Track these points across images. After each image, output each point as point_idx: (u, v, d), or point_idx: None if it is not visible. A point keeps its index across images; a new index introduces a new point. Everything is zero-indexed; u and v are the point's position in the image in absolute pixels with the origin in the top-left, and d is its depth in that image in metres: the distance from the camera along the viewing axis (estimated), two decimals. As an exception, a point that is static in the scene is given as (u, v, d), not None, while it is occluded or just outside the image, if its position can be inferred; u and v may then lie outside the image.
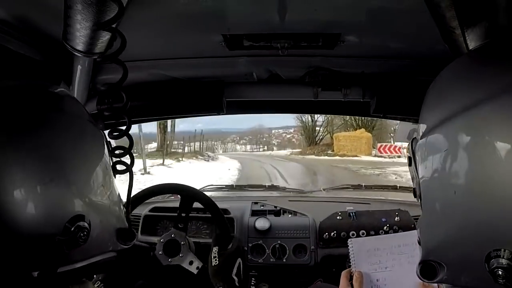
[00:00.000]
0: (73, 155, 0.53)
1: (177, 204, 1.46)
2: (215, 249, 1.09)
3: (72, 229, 0.50)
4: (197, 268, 1.15)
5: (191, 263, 1.16)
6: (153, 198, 1.36)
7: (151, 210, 1.44)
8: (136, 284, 1.19)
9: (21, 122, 0.49)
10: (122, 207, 0.64)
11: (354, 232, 1.33)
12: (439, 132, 0.46)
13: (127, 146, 0.63)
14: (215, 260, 1.07)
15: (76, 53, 0.65)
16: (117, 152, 0.58)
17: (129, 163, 0.64)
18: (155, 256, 1.17)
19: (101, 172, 0.56)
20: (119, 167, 0.62)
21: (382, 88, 1.06)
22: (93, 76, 0.98)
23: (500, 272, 0.39)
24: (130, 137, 0.59)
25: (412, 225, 1.33)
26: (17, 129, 0.48)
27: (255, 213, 1.46)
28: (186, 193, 1.24)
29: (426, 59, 0.94)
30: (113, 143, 0.62)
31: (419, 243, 0.51)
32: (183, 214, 1.21)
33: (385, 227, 1.33)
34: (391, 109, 1.07)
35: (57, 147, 0.51)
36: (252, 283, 1.32)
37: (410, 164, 0.54)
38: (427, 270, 0.47)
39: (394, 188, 1.87)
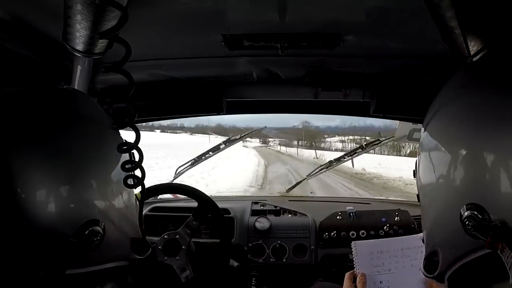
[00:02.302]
0: (94, 161, 0.53)
1: (177, 204, 1.47)
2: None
3: (86, 232, 0.50)
4: (187, 277, 1.15)
5: (183, 270, 1.16)
6: (152, 198, 1.36)
7: (151, 210, 1.44)
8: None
9: (44, 126, 0.50)
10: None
11: (354, 232, 1.33)
12: (423, 137, 0.56)
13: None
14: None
15: (75, 54, 0.65)
16: (127, 166, 0.56)
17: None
18: (153, 249, 1.17)
19: (119, 179, 0.56)
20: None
21: (382, 88, 1.06)
22: (92, 76, 0.98)
23: (467, 222, 0.45)
24: (139, 150, 0.57)
25: (412, 225, 1.33)
26: (40, 132, 0.50)
27: (255, 213, 1.46)
28: (204, 203, 1.22)
29: (426, 59, 0.94)
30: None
31: (423, 241, 0.56)
32: (195, 222, 1.20)
33: (385, 227, 1.33)
34: (391, 109, 1.07)
35: (78, 152, 0.52)
36: (253, 283, 1.32)
37: (414, 176, 0.60)
38: (430, 265, 0.53)
39: (362, 148, 1.83)
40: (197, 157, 1.83)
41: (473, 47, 0.56)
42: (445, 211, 0.49)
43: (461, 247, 0.48)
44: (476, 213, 0.44)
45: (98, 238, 0.51)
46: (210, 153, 1.83)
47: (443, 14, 0.51)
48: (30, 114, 0.50)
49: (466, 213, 0.45)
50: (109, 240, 0.54)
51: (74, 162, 0.51)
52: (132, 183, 0.57)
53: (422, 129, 0.56)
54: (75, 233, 0.49)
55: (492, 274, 0.46)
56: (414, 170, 0.60)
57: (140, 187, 0.59)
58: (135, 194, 1.22)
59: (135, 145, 0.55)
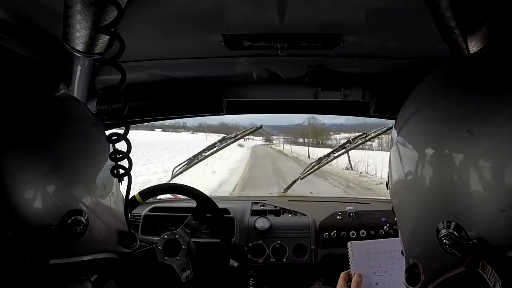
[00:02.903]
0: (76, 153, 0.54)
1: (176, 205, 1.47)
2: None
3: (69, 221, 0.51)
4: (187, 277, 1.15)
5: (183, 269, 1.16)
6: (152, 198, 1.36)
7: (151, 210, 1.44)
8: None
9: (25, 119, 0.51)
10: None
11: (354, 232, 1.33)
12: (395, 142, 0.52)
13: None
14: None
15: (75, 53, 0.65)
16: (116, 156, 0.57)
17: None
18: (154, 250, 1.18)
19: (104, 173, 0.57)
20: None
21: (381, 88, 1.06)
22: (92, 76, 0.98)
23: (445, 241, 0.43)
24: (128, 141, 0.58)
25: None
26: (22, 124, 0.51)
27: (255, 213, 1.46)
28: (203, 202, 1.22)
29: (426, 59, 0.94)
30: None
31: (402, 253, 0.55)
32: (194, 222, 1.20)
33: (385, 227, 1.33)
34: (390, 109, 1.07)
35: (60, 143, 0.53)
36: (251, 284, 1.32)
37: (387, 187, 0.58)
38: (412, 278, 0.51)
39: (349, 142, 1.79)
40: (193, 156, 1.81)
41: (473, 47, 0.56)
42: (421, 226, 0.48)
43: (440, 263, 0.46)
44: (453, 231, 0.43)
45: (81, 227, 0.52)
46: (206, 152, 1.79)
47: (443, 14, 0.51)
48: (11, 112, 0.51)
49: (443, 231, 0.43)
50: (94, 231, 0.55)
51: (56, 153, 0.52)
52: (120, 173, 0.58)
53: (395, 132, 0.53)
54: (58, 222, 0.50)
55: (476, 286, 0.44)
56: (386, 182, 0.58)
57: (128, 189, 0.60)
58: (134, 196, 1.21)
59: (124, 135, 0.56)
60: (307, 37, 0.82)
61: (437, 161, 0.44)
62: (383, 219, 1.35)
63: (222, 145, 1.78)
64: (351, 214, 1.38)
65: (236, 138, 1.80)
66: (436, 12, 0.52)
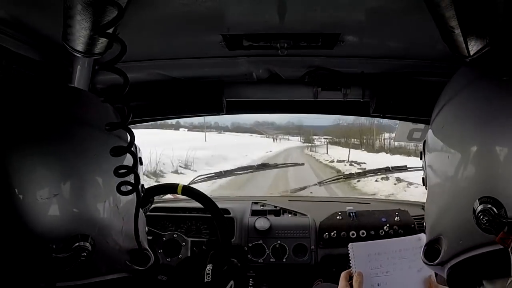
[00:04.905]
0: (85, 170, 0.51)
1: (177, 205, 1.46)
2: (209, 266, 1.02)
3: (73, 247, 0.49)
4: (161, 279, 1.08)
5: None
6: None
7: (151, 210, 1.43)
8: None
9: (35, 136, 0.49)
10: (143, 227, 0.61)
11: (354, 232, 1.33)
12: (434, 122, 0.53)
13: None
14: (208, 277, 1.00)
15: (76, 54, 0.65)
16: (120, 171, 0.51)
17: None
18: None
19: (115, 191, 0.51)
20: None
21: (381, 88, 1.06)
22: (92, 76, 0.98)
23: (481, 216, 0.43)
24: (133, 154, 0.52)
25: (412, 225, 1.33)
26: (30, 141, 0.49)
27: (255, 213, 1.46)
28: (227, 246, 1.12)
29: (426, 59, 0.94)
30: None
31: (424, 227, 0.55)
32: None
33: (385, 227, 1.33)
34: (390, 109, 1.07)
35: (71, 164, 0.50)
36: (250, 284, 1.32)
37: (421, 158, 0.58)
38: (430, 253, 0.51)
39: (387, 170, 1.86)
40: (224, 171, 1.82)
41: (473, 46, 0.56)
42: (456, 201, 0.48)
43: (470, 240, 0.46)
44: (492, 207, 0.42)
45: (86, 253, 0.49)
46: (237, 171, 1.81)
47: (443, 13, 0.51)
48: (20, 126, 0.49)
49: (480, 207, 0.43)
50: (101, 254, 0.52)
51: (64, 175, 0.49)
52: (126, 190, 0.52)
53: (435, 112, 0.54)
54: (61, 247, 0.48)
55: (498, 269, 0.44)
56: (421, 152, 0.58)
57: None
58: (178, 185, 1.14)
59: (128, 148, 0.50)
60: (307, 37, 0.82)
61: (483, 138, 0.45)
62: (383, 219, 1.35)
63: (259, 170, 1.83)
64: (351, 214, 1.38)
65: (277, 166, 1.90)
66: (436, 12, 0.52)
